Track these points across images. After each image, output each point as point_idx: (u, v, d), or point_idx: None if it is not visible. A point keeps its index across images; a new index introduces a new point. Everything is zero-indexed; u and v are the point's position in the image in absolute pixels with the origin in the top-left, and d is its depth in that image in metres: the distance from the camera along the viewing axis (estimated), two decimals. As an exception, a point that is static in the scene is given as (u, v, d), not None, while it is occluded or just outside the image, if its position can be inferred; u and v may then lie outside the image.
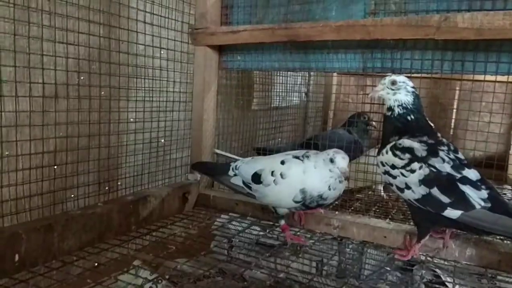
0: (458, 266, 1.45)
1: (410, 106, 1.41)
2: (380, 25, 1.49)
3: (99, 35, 1.59)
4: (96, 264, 1.37)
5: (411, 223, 1.68)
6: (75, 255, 1.40)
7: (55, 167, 1.49)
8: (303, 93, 3.35)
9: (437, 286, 1.42)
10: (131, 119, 1.80)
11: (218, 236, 1.74)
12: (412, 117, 1.42)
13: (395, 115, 1.43)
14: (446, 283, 1.40)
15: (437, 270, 1.48)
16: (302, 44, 1.75)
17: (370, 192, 2.33)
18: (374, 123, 2.49)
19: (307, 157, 1.52)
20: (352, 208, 2.00)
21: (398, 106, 1.42)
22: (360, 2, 1.63)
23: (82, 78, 1.56)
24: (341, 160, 1.45)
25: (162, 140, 1.95)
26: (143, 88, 1.82)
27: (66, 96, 1.50)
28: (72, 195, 1.57)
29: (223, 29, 1.82)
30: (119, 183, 1.75)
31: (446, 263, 1.49)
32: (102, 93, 1.64)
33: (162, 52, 1.88)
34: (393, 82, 1.42)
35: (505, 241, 1.47)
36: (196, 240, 1.64)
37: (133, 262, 1.43)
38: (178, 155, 2.06)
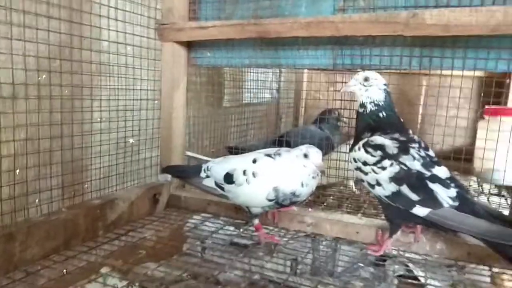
0: (429, 259, 1.48)
1: (382, 103, 1.42)
2: (349, 21, 1.48)
3: (60, 31, 1.51)
4: (63, 272, 1.31)
5: (383, 217, 1.70)
6: (39, 264, 1.32)
7: (16, 171, 1.41)
8: (274, 90, 3.34)
9: (409, 280, 1.45)
10: (98, 119, 1.72)
11: (190, 238, 1.71)
12: (384, 114, 1.43)
13: (367, 111, 1.44)
14: (419, 277, 1.42)
15: (409, 264, 1.50)
16: (273, 41, 1.73)
17: (341, 188, 2.35)
18: (344, 119, 2.51)
19: (279, 154, 1.50)
20: (325, 204, 2.01)
21: (370, 103, 1.43)
22: (330, -2, 1.63)
23: (43, 76, 1.48)
24: (315, 154, 1.44)
25: (131, 140, 1.89)
26: (108, 86, 1.75)
27: (25, 96, 1.42)
28: (36, 200, 1.49)
29: (191, 24, 1.77)
30: (85, 186, 1.68)
31: (417, 256, 1.51)
32: (66, 91, 1.56)
33: (128, 48, 1.81)
34: (366, 78, 1.43)
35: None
36: (167, 243, 1.59)
37: (101, 269, 1.37)
38: (147, 155, 2.00)
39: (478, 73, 2.95)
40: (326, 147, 2.27)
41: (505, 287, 1.36)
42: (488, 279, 1.39)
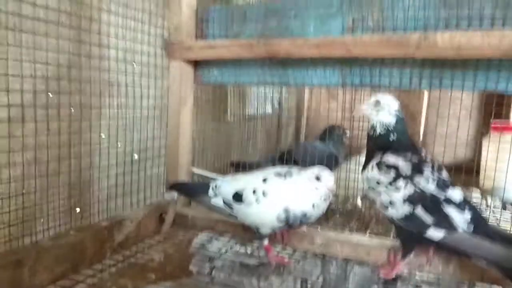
0: (441, 279, 1.46)
1: (392, 127, 1.43)
2: (360, 42, 1.48)
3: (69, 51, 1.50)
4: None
5: (393, 237, 1.69)
6: (48, 289, 1.30)
7: (23, 194, 1.39)
8: (276, 103, 3.34)
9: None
10: (102, 135, 1.71)
11: (198, 258, 1.68)
12: (394, 137, 1.43)
13: (376, 134, 1.45)
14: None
15: (422, 285, 1.48)
16: (281, 60, 1.72)
17: (347, 205, 2.33)
18: (348, 131, 2.51)
19: (290, 174, 1.49)
20: (332, 222, 2.00)
21: (380, 127, 1.44)
22: (338, 18, 1.62)
23: (51, 95, 1.46)
24: (329, 177, 1.43)
25: (136, 156, 1.87)
26: (114, 106, 1.74)
27: (34, 118, 1.40)
28: (43, 222, 1.47)
29: (200, 44, 1.76)
30: (92, 207, 1.66)
31: (430, 278, 1.50)
32: (73, 111, 1.55)
33: (135, 66, 1.80)
34: (377, 103, 1.43)
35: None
36: (175, 264, 1.57)
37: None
38: (154, 172, 1.98)
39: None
40: (332, 164, 2.26)
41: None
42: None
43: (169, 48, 1.82)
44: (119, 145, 1.79)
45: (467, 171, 2.00)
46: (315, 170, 1.45)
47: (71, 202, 1.57)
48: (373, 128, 1.46)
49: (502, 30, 1.33)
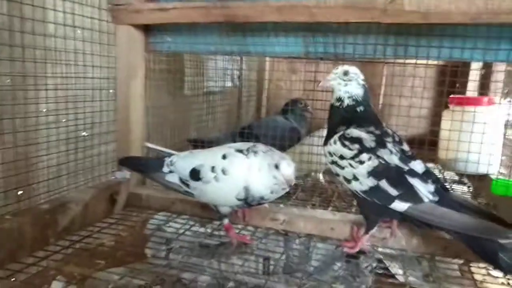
0: (405, 254, 1.44)
1: (360, 98, 1.38)
2: (324, 6, 1.39)
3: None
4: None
5: (357, 212, 1.66)
6: (-20, 282, 1.15)
7: None
8: (236, 77, 3.21)
9: (385, 275, 1.41)
10: (44, 110, 1.52)
11: (154, 240, 1.57)
12: (361, 108, 1.39)
13: (344, 106, 1.40)
14: (396, 275, 1.38)
15: (384, 259, 1.46)
16: (240, 26, 1.60)
17: (308, 179, 2.29)
18: (310, 108, 2.44)
19: (254, 152, 1.38)
20: (294, 197, 1.94)
21: (348, 97, 1.39)
22: (301, -20, 1.52)
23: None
24: (287, 167, 1.32)
25: (84, 133, 1.70)
26: (55, 75, 1.55)
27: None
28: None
29: (150, 6, 1.59)
30: (32, 189, 1.49)
31: (392, 251, 1.47)
32: (8, 81, 1.36)
33: (77, 32, 1.62)
34: (346, 73, 1.38)
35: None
36: (128, 248, 1.45)
37: (53, 282, 1.21)
38: (102, 150, 1.82)
39: (439, 62, 3.01)
40: (293, 138, 2.20)
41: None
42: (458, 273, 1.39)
43: (115, 11, 1.64)
44: (63, 120, 1.61)
45: (421, 144, 2.01)
46: (275, 157, 1.34)
47: (6, 183, 1.39)
48: (339, 99, 1.40)
49: (470, -6, 1.27)
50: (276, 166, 1.32)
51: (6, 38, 1.35)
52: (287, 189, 1.38)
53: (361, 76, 1.40)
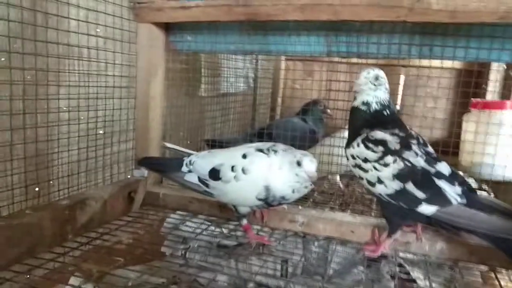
0: (427, 259, 1.41)
1: (387, 102, 1.36)
2: (349, 4, 1.36)
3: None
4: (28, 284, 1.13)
5: (377, 215, 1.63)
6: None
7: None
8: (251, 79, 3.20)
9: (406, 281, 1.38)
10: (64, 108, 1.52)
11: (171, 238, 1.56)
12: (388, 112, 1.36)
13: (371, 110, 1.36)
14: (418, 280, 1.35)
15: (405, 264, 1.42)
16: (261, 25, 1.59)
17: (326, 182, 2.25)
18: (329, 110, 2.42)
19: (275, 151, 1.36)
20: (312, 200, 1.91)
21: (376, 102, 1.36)
22: (324, -21, 1.50)
23: (2, 59, 1.27)
24: (309, 163, 1.30)
25: (101, 131, 1.70)
26: (77, 71, 1.55)
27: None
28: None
29: (172, 4, 1.59)
30: (51, 185, 1.49)
31: (414, 256, 1.44)
32: (28, 77, 1.36)
33: (98, 29, 1.62)
34: (377, 77, 1.35)
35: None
36: (146, 246, 1.44)
37: (71, 279, 1.20)
38: (121, 148, 1.82)
39: (457, 65, 2.96)
40: (311, 140, 2.17)
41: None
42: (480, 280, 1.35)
43: (138, 9, 1.63)
44: (82, 118, 1.61)
45: (443, 151, 1.97)
46: (297, 154, 1.32)
47: (26, 178, 1.39)
48: (366, 104, 1.37)
49: (500, -8, 1.24)
50: (298, 163, 1.30)
51: (29, 33, 1.35)
52: (310, 187, 1.36)
53: (387, 80, 1.38)
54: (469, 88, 1.95)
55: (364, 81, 1.37)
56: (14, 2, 1.29)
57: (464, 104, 2.31)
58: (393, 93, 3.05)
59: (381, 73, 1.36)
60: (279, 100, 3.54)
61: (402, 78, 3.09)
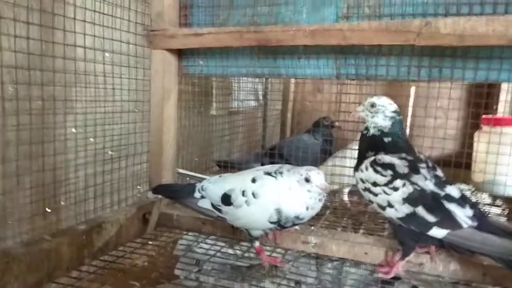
0: (441, 281, 1.40)
1: (387, 129, 1.38)
2: (357, 30, 1.39)
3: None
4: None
5: (386, 234, 1.63)
6: (19, 302, 1.17)
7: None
8: (261, 97, 3.23)
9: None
10: (73, 130, 1.56)
11: (184, 261, 1.57)
12: (389, 139, 1.38)
13: (370, 134, 1.41)
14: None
15: (419, 286, 1.42)
16: (272, 49, 1.62)
17: (336, 199, 2.25)
18: (337, 123, 2.43)
19: (281, 173, 1.38)
20: (324, 218, 1.91)
21: (374, 127, 1.41)
22: (332, 5, 1.53)
23: (10, 89, 1.32)
24: (317, 176, 1.31)
25: (110, 152, 1.73)
26: (84, 99, 1.60)
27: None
28: (12, 227, 1.33)
29: (185, 31, 1.64)
30: (68, 209, 1.52)
31: (428, 277, 1.43)
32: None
33: (107, 55, 1.66)
34: (373, 105, 1.39)
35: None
36: (161, 270, 1.46)
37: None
38: (135, 170, 1.85)
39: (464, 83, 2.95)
40: (322, 157, 2.19)
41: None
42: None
43: (151, 36, 1.69)
44: (91, 140, 1.65)
45: (455, 165, 1.96)
46: (302, 171, 1.33)
47: (44, 204, 1.43)
48: (367, 128, 1.43)
49: (508, 16, 1.25)
50: (307, 180, 1.31)
51: (38, 63, 1.39)
52: (323, 200, 1.36)
53: (390, 108, 1.38)
54: (481, 107, 1.94)
55: (362, 108, 1.42)
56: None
57: (476, 115, 2.30)
58: (404, 105, 3.09)
59: (379, 101, 1.39)
60: (289, 115, 3.57)
61: (412, 89, 3.09)
